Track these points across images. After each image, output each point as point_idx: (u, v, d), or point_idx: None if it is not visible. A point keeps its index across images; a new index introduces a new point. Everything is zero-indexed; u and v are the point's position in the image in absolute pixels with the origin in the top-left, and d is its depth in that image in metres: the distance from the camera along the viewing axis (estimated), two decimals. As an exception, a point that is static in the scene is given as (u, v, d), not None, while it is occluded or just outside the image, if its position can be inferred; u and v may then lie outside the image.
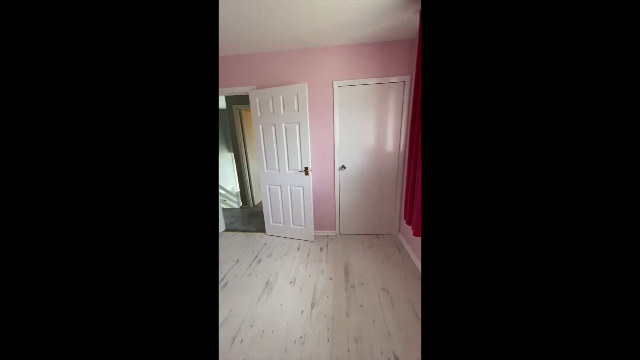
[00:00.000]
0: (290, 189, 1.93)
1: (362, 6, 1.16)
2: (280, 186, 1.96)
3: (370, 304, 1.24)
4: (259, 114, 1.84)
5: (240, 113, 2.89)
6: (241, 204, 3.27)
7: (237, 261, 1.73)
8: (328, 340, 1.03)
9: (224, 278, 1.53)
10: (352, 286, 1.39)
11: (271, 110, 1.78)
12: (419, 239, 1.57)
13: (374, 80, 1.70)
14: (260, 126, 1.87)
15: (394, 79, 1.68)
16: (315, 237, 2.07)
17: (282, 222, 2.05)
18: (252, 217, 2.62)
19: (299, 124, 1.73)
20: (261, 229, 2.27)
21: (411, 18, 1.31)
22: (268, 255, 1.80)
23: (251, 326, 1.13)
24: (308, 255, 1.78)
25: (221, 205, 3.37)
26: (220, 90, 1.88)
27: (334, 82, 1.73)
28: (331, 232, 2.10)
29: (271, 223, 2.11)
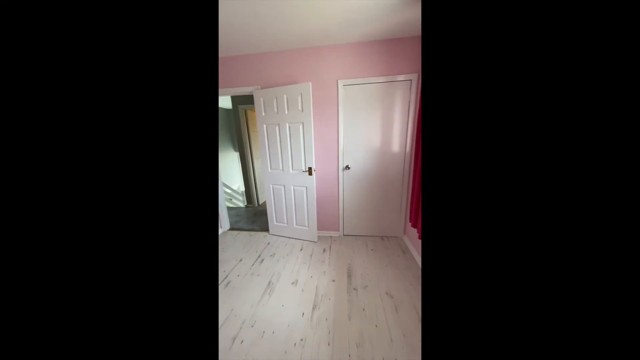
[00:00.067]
0: (293, 189, 1.93)
1: (367, 3, 1.13)
2: (284, 186, 1.96)
3: (372, 309, 1.21)
4: (263, 114, 1.84)
5: (246, 113, 2.91)
6: (246, 203, 3.31)
7: (240, 260, 1.74)
8: (329, 344, 1.01)
9: (227, 277, 1.54)
10: (354, 289, 1.37)
11: (275, 110, 1.78)
12: (424, 243, 1.52)
13: (380, 79, 1.66)
14: (265, 126, 1.87)
15: (400, 77, 1.64)
16: (319, 237, 2.05)
17: (285, 222, 2.05)
18: (256, 216, 2.64)
19: (303, 123, 1.72)
20: (265, 228, 2.28)
21: (418, 15, 1.27)
22: (271, 255, 1.80)
23: (252, 326, 1.12)
24: (311, 256, 1.77)
25: (227, 204, 3.42)
26: (225, 90, 1.89)
27: (339, 81, 1.71)
28: (335, 233, 2.08)
29: (275, 223, 2.11)
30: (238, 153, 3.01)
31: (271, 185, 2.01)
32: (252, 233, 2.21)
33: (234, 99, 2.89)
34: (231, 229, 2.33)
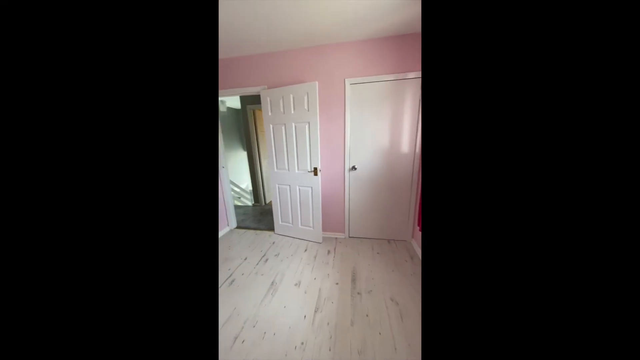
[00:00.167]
0: (299, 189, 1.92)
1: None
2: (289, 186, 1.95)
3: (377, 315, 1.17)
4: (269, 114, 1.85)
5: (254, 113, 2.95)
6: (253, 202, 3.35)
7: (245, 259, 1.76)
8: (330, 350, 0.99)
9: (231, 275, 1.57)
10: (358, 293, 1.33)
11: (282, 109, 1.78)
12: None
13: (389, 77, 1.60)
14: (271, 126, 1.87)
15: (411, 75, 1.57)
16: (324, 238, 2.03)
17: (290, 222, 2.05)
18: (262, 215, 2.67)
19: (309, 123, 1.70)
20: (271, 227, 2.29)
21: (431, 7, 1.20)
22: (275, 255, 1.80)
23: (254, 326, 1.13)
24: (315, 257, 1.75)
25: (235, 202, 3.49)
26: (233, 90, 1.92)
27: (346, 79, 1.67)
28: (340, 235, 2.05)
29: (280, 222, 2.11)
30: (246, 152, 3.05)
31: (277, 185, 2.01)
32: (258, 232, 2.23)
33: (243, 99, 2.93)
34: (238, 227, 2.37)
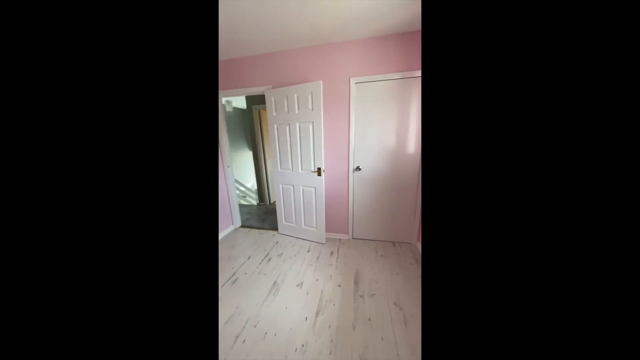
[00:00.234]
0: (302, 189, 1.91)
1: (381, -7, 1.06)
2: (293, 186, 1.95)
3: (379, 319, 1.14)
4: (274, 114, 1.85)
5: (259, 113, 2.97)
6: (258, 201, 3.38)
7: (249, 258, 1.77)
8: (330, 353, 0.97)
9: (234, 274, 1.58)
10: (361, 296, 1.31)
11: (286, 109, 1.77)
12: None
13: (396, 75, 1.56)
14: (275, 125, 1.87)
15: (417, 73, 1.53)
16: (327, 239, 2.01)
17: (294, 222, 2.04)
18: (267, 215, 2.68)
19: (313, 123, 1.69)
20: (274, 227, 2.30)
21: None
22: (278, 255, 1.80)
23: (255, 326, 1.13)
24: (318, 258, 1.74)
25: (241, 201, 3.53)
26: (238, 90, 1.93)
27: (351, 78, 1.64)
28: (344, 236, 2.02)
29: (284, 222, 2.11)
30: (252, 152, 3.08)
31: (281, 185, 2.01)
32: (262, 231, 2.24)
33: (248, 99, 2.95)
34: (242, 226, 2.39)
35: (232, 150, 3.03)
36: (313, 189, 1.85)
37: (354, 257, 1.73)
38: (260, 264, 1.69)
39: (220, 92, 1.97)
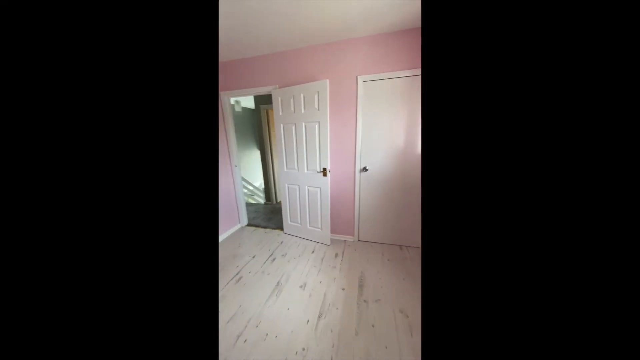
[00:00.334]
0: (308, 190, 1.89)
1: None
2: (299, 186, 1.94)
3: (384, 326, 1.10)
4: (280, 113, 1.84)
5: (267, 113, 2.99)
6: (265, 200, 3.42)
7: (254, 257, 1.79)
8: (331, 359, 0.95)
9: (239, 272, 1.59)
10: (365, 301, 1.27)
11: (292, 109, 1.76)
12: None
13: (405, 73, 1.50)
14: (282, 125, 1.87)
15: (429, 70, 1.46)
16: (332, 241, 1.98)
17: (299, 222, 2.04)
18: (273, 214, 2.69)
19: (319, 122, 1.66)
20: (280, 226, 2.30)
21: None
22: (282, 255, 1.80)
23: (257, 326, 1.12)
24: (322, 259, 1.71)
25: (249, 200, 3.59)
26: (246, 90, 1.95)
27: (358, 77, 1.60)
28: (349, 238, 1.98)
29: (289, 222, 2.11)
30: (260, 151, 3.11)
31: (286, 185, 2.01)
32: (268, 230, 2.25)
33: (257, 99, 2.98)
34: (249, 224, 2.42)
35: (241, 150, 3.07)
36: (318, 190, 1.83)
37: (359, 260, 1.69)
38: (264, 263, 1.69)
39: (228, 92, 2.00)
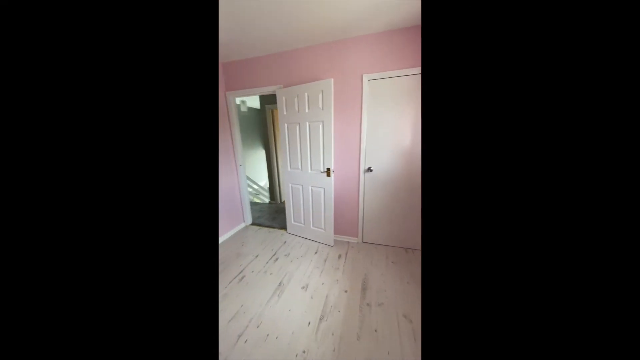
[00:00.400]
0: (311, 190, 1.88)
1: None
2: (302, 186, 1.93)
3: (386, 331, 1.07)
4: (284, 113, 1.84)
5: (272, 112, 3.00)
6: (269, 200, 3.43)
7: (257, 256, 1.79)
8: (332, 363, 0.93)
9: (242, 271, 1.60)
10: (368, 305, 1.24)
11: (296, 108, 1.75)
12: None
13: (413, 71, 1.46)
14: (286, 125, 1.87)
15: (437, 67, 1.41)
16: (335, 242, 1.96)
17: (302, 222, 2.03)
18: (277, 213, 2.70)
19: (323, 122, 1.64)
20: (284, 226, 2.30)
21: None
22: (285, 255, 1.79)
23: (258, 327, 1.12)
24: (325, 260, 1.69)
25: (255, 199, 3.62)
26: (251, 90, 1.96)
27: (364, 75, 1.57)
28: (353, 239, 1.96)
29: (292, 222, 2.11)
30: (265, 151, 3.13)
31: (290, 185, 2.01)
32: (271, 230, 2.26)
33: (262, 98, 3.00)
34: (253, 223, 2.43)
35: (247, 149, 3.10)
36: (322, 190, 1.81)
37: (363, 261, 1.66)
38: (267, 262, 1.70)
39: (234, 92, 2.02)
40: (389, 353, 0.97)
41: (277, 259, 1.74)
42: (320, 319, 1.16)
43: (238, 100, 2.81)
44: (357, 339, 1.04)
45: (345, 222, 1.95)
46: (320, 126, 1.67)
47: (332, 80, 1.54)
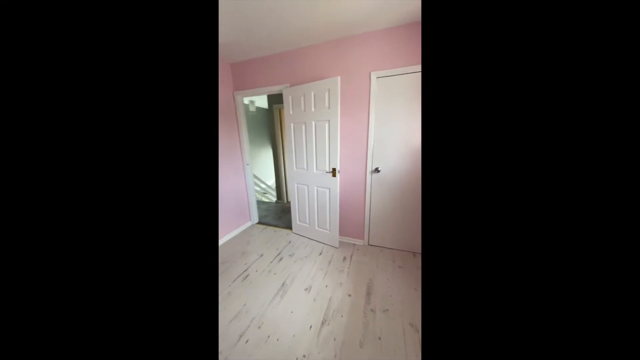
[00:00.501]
0: (317, 190, 1.85)
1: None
2: (307, 186, 1.91)
3: (391, 339, 1.02)
4: (291, 112, 1.83)
5: (280, 112, 3.01)
6: (276, 199, 3.45)
7: (261, 255, 1.79)
8: (333, 370, 0.90)
9: (246, 270, 1.61)
10: (372, 310, 1.20)
11: (302, 107, 1.73)
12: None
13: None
14: (292, 124, 1.85)
15: (450, 63, 1.33)
16: (341, 243, 1.93)
17: (307, 222, 2.01)
18: (283, 213, 2.70)
19: (329, 121, 1.61)
20: (289, 225, 2.30)
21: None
22: (290, 255, 1.78)
23: (259, 327, 1.11)
24: (329, 262, 1.66)
25: (262, 198, 3.66)
26: (258, 90, 1.96)
27: (372, 73, 1.52)
28: (358, 241, 1.91)
29: (297, 222, 2.09)
30: (272, 150, 3.15)
31: (295, 184, 1.99)
32: (277, 229, 2.26)
33: (270, 98, 3.01)
34: (259, 222, 2.45)
35: (255, 149, 3.13)
36: (327, 190, 1.78)
37: (368, 265, 1.61)
38: (271, 262, 1.69)
39: (241, 92, 2.03)
40: (393, 363, 0.92)
41: (281, 259, 1.73)
42: (323, 322, 1.13)
43: (246, 100, 2.85)
44: (360, 346, 1.00)
45: (350, 224, 1.91)
46: (327, 125, 1.64)
47: (339, 78, 1.51)
